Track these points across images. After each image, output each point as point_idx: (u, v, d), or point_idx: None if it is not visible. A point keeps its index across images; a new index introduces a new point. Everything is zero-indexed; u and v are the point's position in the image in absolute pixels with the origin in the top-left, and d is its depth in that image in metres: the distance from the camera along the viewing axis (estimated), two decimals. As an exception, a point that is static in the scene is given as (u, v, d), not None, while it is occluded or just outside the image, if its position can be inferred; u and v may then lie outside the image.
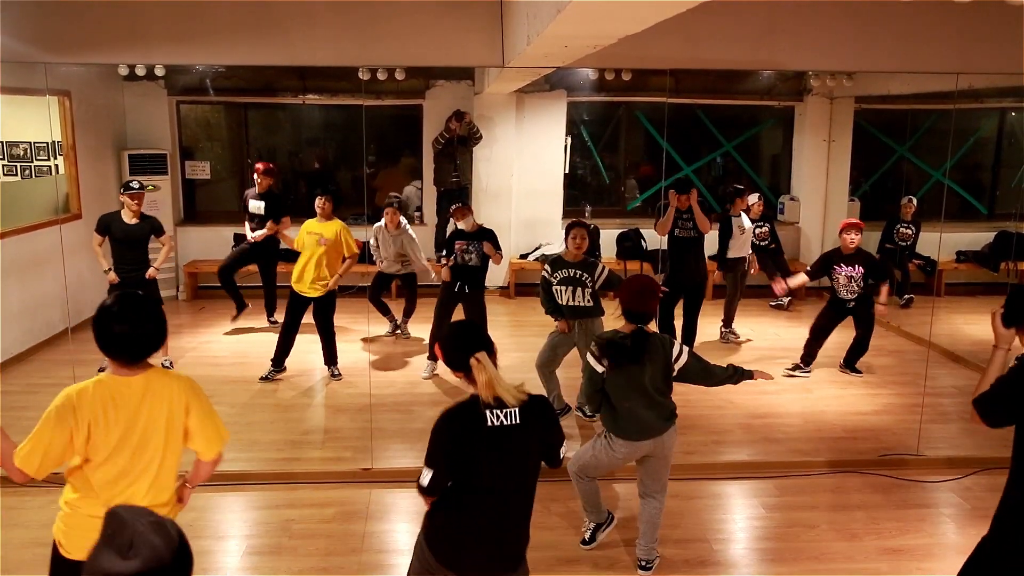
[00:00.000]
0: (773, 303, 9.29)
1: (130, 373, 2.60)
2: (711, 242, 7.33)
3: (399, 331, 8.00)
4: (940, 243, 8.59)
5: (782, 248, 9.32)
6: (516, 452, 2.69)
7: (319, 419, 6.12)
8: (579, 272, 5.53)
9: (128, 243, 6.47)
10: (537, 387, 5.69)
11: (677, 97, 9.78)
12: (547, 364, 5.73)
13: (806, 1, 5.18)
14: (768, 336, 8.27)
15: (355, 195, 9.63)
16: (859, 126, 10.11)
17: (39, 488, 4.64)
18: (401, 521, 4.59)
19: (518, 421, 2.66)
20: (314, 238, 6.46)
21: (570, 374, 6.09)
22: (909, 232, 9.35)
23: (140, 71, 8.50)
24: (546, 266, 5.73)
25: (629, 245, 9.59)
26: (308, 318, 6.66)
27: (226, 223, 9.32)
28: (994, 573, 2.77)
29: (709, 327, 7.88)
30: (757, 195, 9.06)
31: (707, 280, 7.51)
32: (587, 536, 4.24)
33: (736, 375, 3.97)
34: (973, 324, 8.56)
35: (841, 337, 6.97)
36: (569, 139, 9.89)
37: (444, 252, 6.61)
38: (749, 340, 8.06)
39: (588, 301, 5.55)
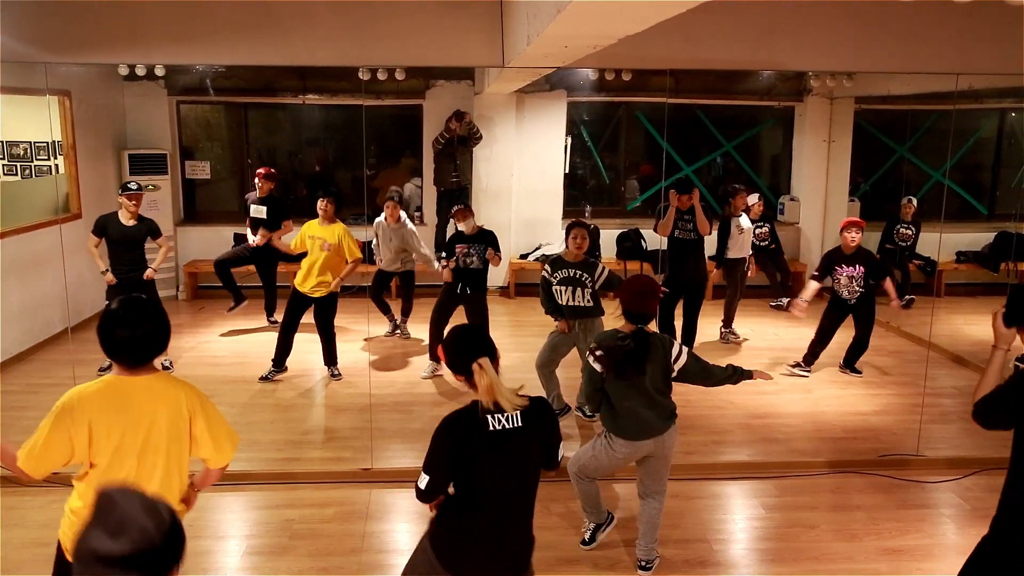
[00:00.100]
0: (773, 303, 9.28)
1: (134, 376, 2.60)
2: (710, 242, 7.33)
3: (399, 331, 8.01)
4: (940, 243, 8.59)
5: (782, 248, 9.33)
6: (517, 455, 2.69)
7: (319, 419, 6.12)
8: (579, 272, 5.53)
9: (125, 244, 6.47)
10: (537, 387, 5.69)
11: (677, 97, 9.79)
12: (547, 364, 5.73)
13: (806, 1, 5.18)
14: (768, 336, 8.27)
15: (355, 195, 9.64)
16: (859, 126, 10.11)
17: (39, 488, 4.64)
18: (401, 521, 4.59)
19: (519, 424, 2.66)
20: (317, 242, 6.46)
21: (570, 374, 6.10)
22: (909, 232, 9.35)
23: (140, 71, 8.50)
24: (546, 266, 5.73)
25: (629, 245, 9.59)
26: (308, 318, 6.66)
27: (226, 223, 9.33)
28: (993, 574, 2.77)
29: (709, 327, 7.88)
30: (757, 195, 9.07)
31: (707, 281, 7.51)
32: (587, 536, 4.24)
33: (735, 375, 3.97)
34: (973, 324, 8.56)
35: (841, 337, 6.96)
36: (569, 139, 9.90)
37: (444, 255, 6.61)
38: (746, 339, 8.05)
39: (588, 301, 5.55)
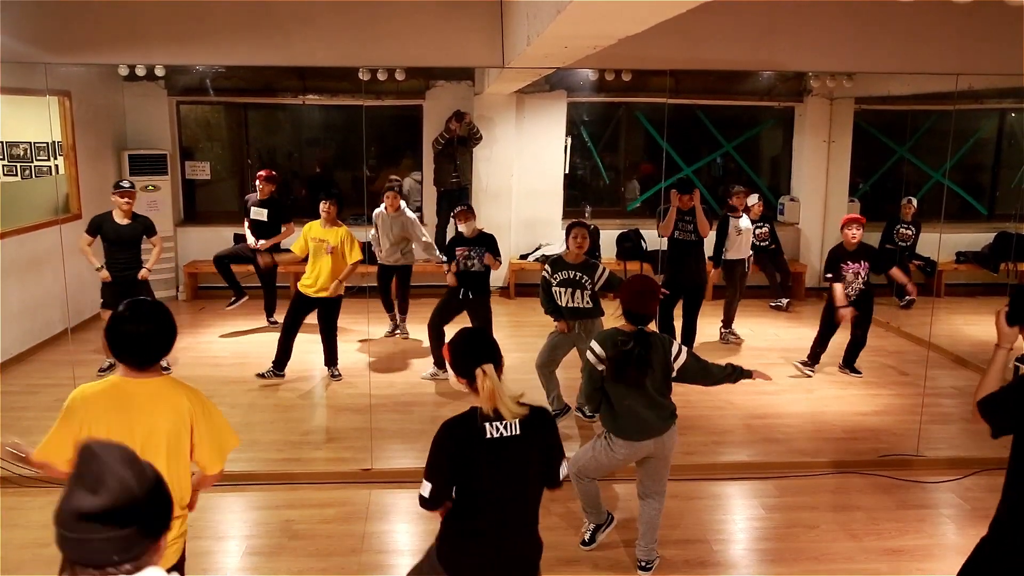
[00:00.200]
0: (773, 303, 9.29)
1: (139, 377, 2.61)
2: (709, 243, 7.33)
3: (398, 331, 8.01)
4: (940, 244, 8.59)
5: (782, 249, 9.33)
6: (515, 463, 2.68)
7: (319, 419, 6.12)
8: (579, 274, 5.53)
9: (119, 243, 6.46)
10: (536, 387, 5.69)
11: (677, 97, 9.79)
12: (547, 364, 5.73)
13: (806, 1, 5.18)
14: (768, 336, 8.27)
15: (355, 195, 9.64)
16: (859, 127, 10.12)
17: (39, 488, 4.64)
18: (401, 522, 4.59)
19: (518, 432, 2.65)
20: (321, 245, 6.45)
21: (569, 374, 6.09)
22: (909, 233, 9.35)
23: (140, 71, 8.50)
24: (546, 267, 5.73)
25: (629, 246, 9.59)
26: (308, 318, 6.66)
27: (226, 223, 9.33)
28: (993, 575, 2.77)
29: (709, 327, 7.88)
30: (757, 196, 9.07)
31: (706, 282, 7.51)
32: (587, 537, 4.24)
33: (735, 374, 3.97)
34: (973, 325, 8.56)
35: (840, 338, 6.96)
36: (569, 139, 9.90)
37: (446, 259, 6.61)
38: (743, 340, 8.05)
39: (587, 303, 5.55)
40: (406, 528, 4.50)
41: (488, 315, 6.49)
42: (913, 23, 5.18)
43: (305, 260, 6.68)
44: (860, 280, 6.60)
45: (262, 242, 7.77)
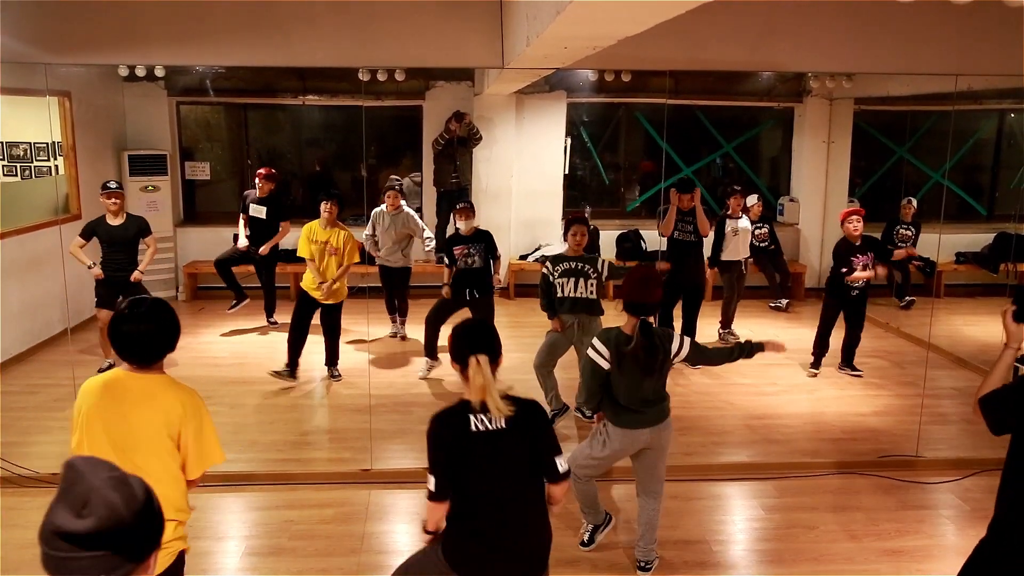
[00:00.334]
0: (772, 304, 9.29)
1: (139, 374, 2.64)
2: (707, 243, 7.33)
3: (397, 335, 8.03)
4: (939, 244, 8.60)
5: (781, 249, 9.33)
6: (505, 458, 2.68)
7: (319, 420, 6.12)
8: (581, 264, 5.55)
9: (113, 245, 6.46)
10: (536, 388, 5.69)
11: (677, 98, 9.79)
12: (545, 364, 5.73)
13: (805, 2, 5.18)
14: (767, 337, 8.24)
15: (355, 196, 9.64)
16: (858, 127, 10.12)
17: (39, 488, 4.65)
18: (400, 522, 4.59)
19: (503, 426, 2.66)
20: (324, 247, 6.45)
21: (568, 374, 6.10)
22: (909, 233, 9.35)
23: (140, 72, 8.50)
24: (547, 263, 5.74)
25: (629, 246, 9.60)
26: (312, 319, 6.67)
27: (226, 224, 9.32)
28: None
29: (708, 328, 7.88)
30: (756, 196, 9.08)
31: (705, 282, 7.51)
32: (585, 538, 4.24)
33: (747, 351, 3.99)
34: (973, 325, 8.57)
35: (838, 339, 6.97)
36: (569, 140, 9.89)
37: (445, 260, 6.61)
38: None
39: (591, 293, 5.55)
40: (406, 528, 4.50)
41: (491, 315, 6.50)
42: (912, 24, 5.18)
43: (294, 255, 6.68)
44: (867, 271, 6.62)
45: (263, 248, 7.77)
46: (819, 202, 10.13)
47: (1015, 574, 2.68)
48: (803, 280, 9.86)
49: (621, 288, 3.87)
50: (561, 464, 2.78)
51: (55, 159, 8.59)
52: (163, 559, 2.57)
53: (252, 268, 8.17)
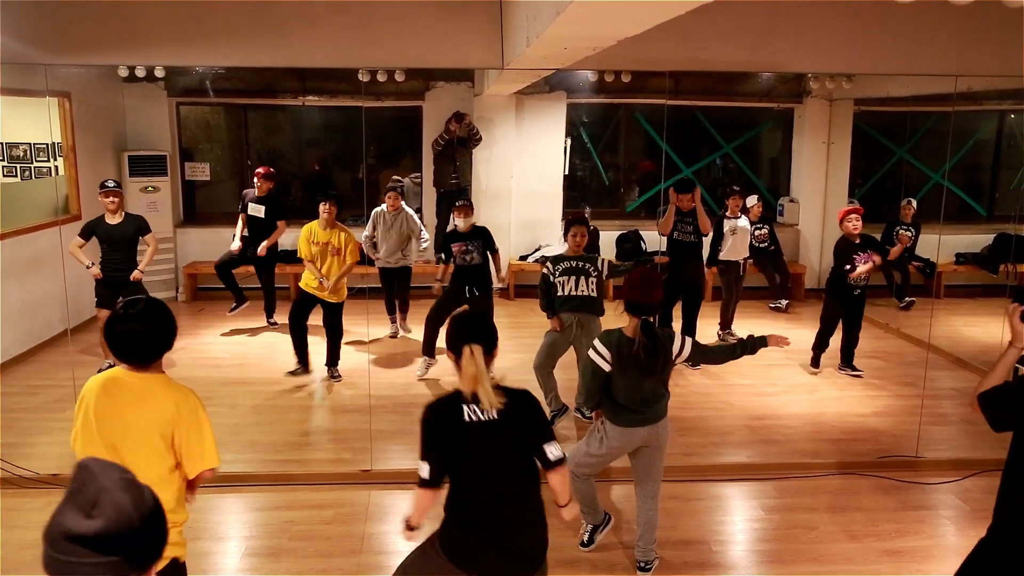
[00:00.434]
0: (772, 305, 9.29)
1: (137, 373, 2.65)
2: (705, 242, 7.33)
3: (399, 334, 8.03)
4: (939, 245, 8.60)
5: (781, 250, 9.33)
6: (498, 449, 2.70)
7: (318, 420, 6.12)
8: (581, 262, 5.56)
9: (112, 244, 6.47)
10: (535, 388, 5.69)
11: (676, 99, 9.79)
12: (544, 365, 5.73)
13: (805, 3, 5.18)
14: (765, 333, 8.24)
15: (355, 196, 9.64)
16: (858, 128, 10.12)
17: (39, 489, 4.65)
18: (400, 523, 4.57)
19: (495, 417, 2.67)
20: (325, 248, 6.45)
21: (567, 375, 6.09)
22: (909, 234, 9.34)
23: (140, 72, 8.50)
24: (548, 264, 5.75)
25: (628, 247, 9.60)
26: (312, 319, 6.66)
27: (226, 224, 9.30)
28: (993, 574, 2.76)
29: (708, 329, 7.88)
30: (756, 197, 9.08)
31: (704, 283, 7.51)
32: (585, 538, 4.24)
33: (750, 347, 3.95)
34: (972, 326, 8.57)
35: (837, 339, 6.98)
36: (569, 141, 9.90)
37: (443, 256, 6.62)
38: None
39: (592, 291, 5.56)
40: (406, 529, 4.49)
41: (490, 311, 6.51)
42: (912, 24, 5.18)
43: (293, 255, 6.69)
44: (868, 264, 6.63)
45: (260, 248, 7.76)
46: (819, 203, 10.13)
47: (1016, 574, 2.68)
48: (803, 281, 9.86)
49: (621, 289, 3.86)
50: (553, 451, 2.75)
51: (55, 160, 8.59)
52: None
53: (252, 269, 8.17)
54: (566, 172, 9.95)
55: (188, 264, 9.46)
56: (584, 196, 10.40)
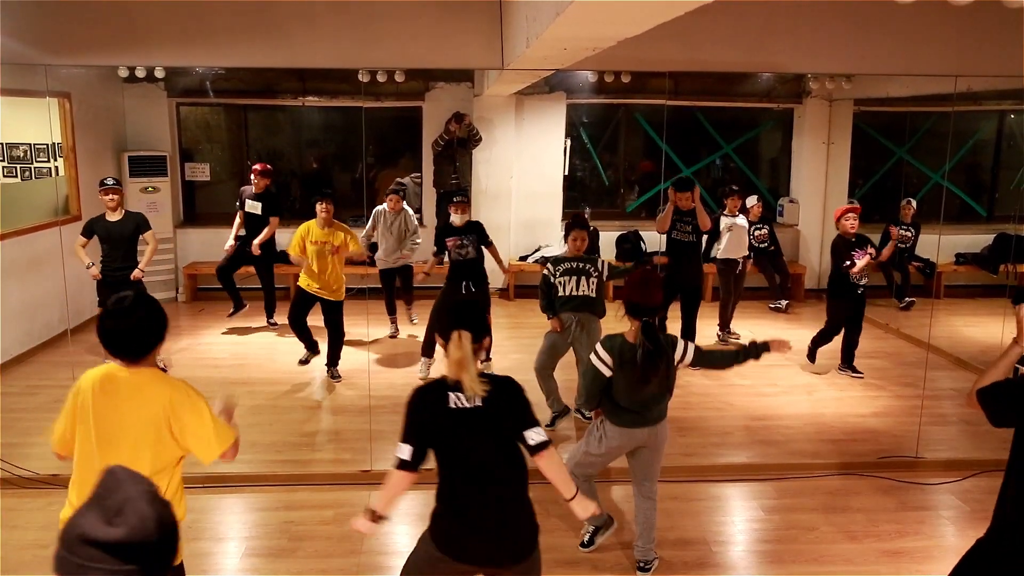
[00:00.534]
0: (772, 305, 9.29)
1: (129, 368, 2.66)
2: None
3: (398, 335, 8.04)
4: (939, 245, 8.60)
5: (781, 251, 9.34)
6: (482, 437, 2.70)
7: (318, 421, 6.12)
8: (582, 263, 5.57)
9: (112, 241, 6.48)
10: (535, 389, 5.69)
11: (676, 99, 9.79)
12: (545, 367, 5.73)
13: (805, 3, 5.18)
14: (767, 338, 8.24)
15: (354, 196, 9.64)
16: (858, 128, 10.12)
17: (39, 490, 4.65)
18: (400, 523, 4.58)
19: (479, 404, 2.68)
20: (323, 247, 6.44)
21: (568, 375, 6.09)
22: (908, 234, 9.35)
23: (140, 73, 8.51)
24: (548, 265, 5.75)
25: (628, 247, 9.60)
26: (312, 320, 6.66)
27: (226, 225, 9.26)
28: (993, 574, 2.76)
29: (708, 329, 7.89)
30: (756, 197, 9.08)
31: (703, 283, 7.50)
32: (586, 539, 4.24)
33: (753, 353, 3.92)
34: (972, 326, 8.57)
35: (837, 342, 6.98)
36: (568, 141, 9.90)
37: (436, 250, 6.65)
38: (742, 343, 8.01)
39: (592, 291, 5.56)
40: (405, 530, 4.49)
41: (487, 306, 6.53)
42: (912, 25, 5.18)
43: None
44: (866, 257, 6.63)
45: (255, 242, 7.74)
46: (819, 203, 10.13)
47: (1016, 574, 2.68)
48: (803, 281, 9.86)
49: (622, 291, 3.86)
50: (533, 436, 2.72)
51: (55, 160, 8.59)
52: None
53: (252, 269, 8.17)
54: (566, 172, 9.95)
55: (188, 264, 9.46)
56: (584, 196, 10.40)
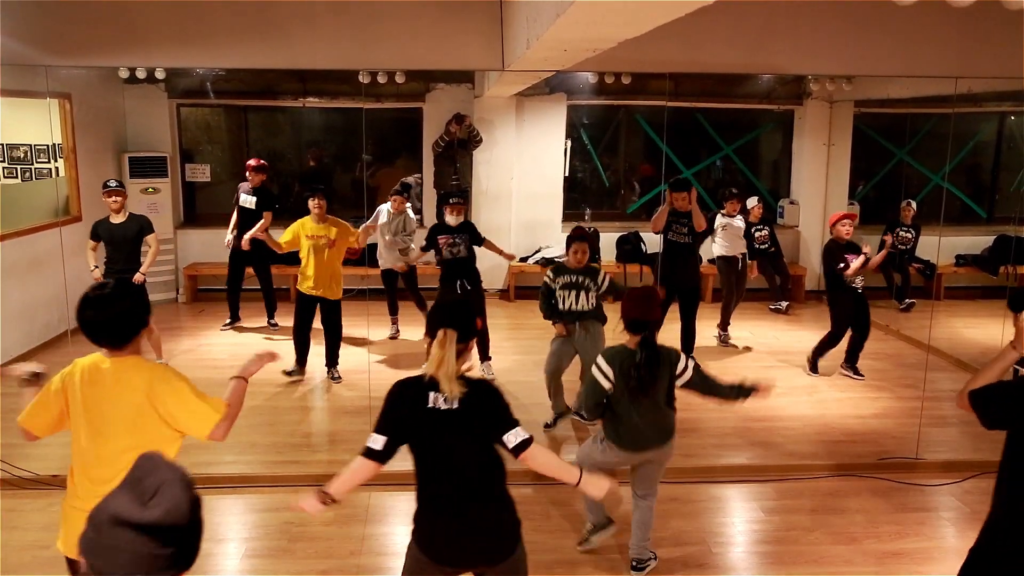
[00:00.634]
0: (772, 306, 9.28)
1: (112, 357, 2.69)
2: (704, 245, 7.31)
3: (398, 336, 8.04)
4: (939, 246, 8.60)
5: (782, 252, 9.33)
6: (459, 439, 2.68)
7: (319, 422, 6.12)
8: (582, 278, 5.55)
9: (115, 243, 6.49)
10: (534, 389, 5.70)
11: (677, 100, 9.79)
12: (556, 372, 5.73)
13: (805, 4, 5.19)
14: (768, 339, 8.26)
15: (355, 197, 9.64)
16: (858, 130, 10.12)
17: (39, 491, 4.65)
18: (400, 524, 4.58)
19: (456, 407, 2.66)
20: (319, 241, 6.44)
21: (568, 377, 6.08)
22: (909, 236, 9.35)
23: (140, 74, 8.51)
24: (548, 272, 5.73)
25: (629, 248, 9.60)
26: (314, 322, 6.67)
27: (226, 226, 9.30)
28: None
29: (708, 330, 7.89)
30: (756, 198, 9.08)
31: (700, 284, 7.46)
32: (584, 537, 4.22)
33: (740, 395, 3.89)
34: (972, 328, 8.57)
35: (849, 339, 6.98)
36: (569, 142, 9.91)
37: (424, 246, 6.67)
38: (738, 347, 8.01)
39: (591, 305, 5.56)
40: (405, 530, 4.46)
41: (482, 304, 6.54)
42: (912, 26, 5.19)
43: (289, 257, 6.68)
44: (860, 258, 6.64)
45: (247, 236, 7.63)
46: (819, 205, 10.14)
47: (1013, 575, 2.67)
48: (803, 283, 9.86)
49: (621, 306, 3.86)
50: (512, 439, 2.68)
51: (55, 161, 8.58)
52: None
53: (251, 270, 8.18)
54: (566, 174, 9.95)
55: (188, 265, 9.46)
56: (584, 198, 10.41)
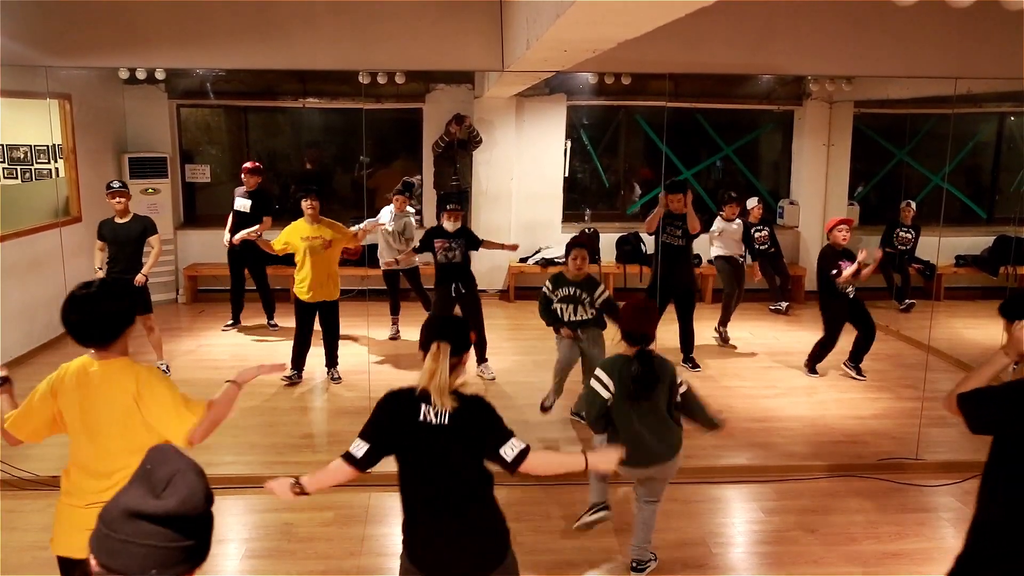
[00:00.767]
0: (772, 307, 9.28)
1: (101, 357, 2.69)
2: (704, 246, 7.32)
3: (399, 336, 8.04)
4: (939, 247, 8.60)
5: (781, 252, 9.33)
6: (449, 454, 2.66)
7: (318, 422, 6.12)
8: (579, 291, 5.56)
9: (118, 244, 6.50)
10: (534, 390, 5.70)
11: (676, 101, 9.79)
12: (563, 369, 5.74)
13: (805, 5, 5.19)
14: (768, 339, 8.26)
15: (354, 197, 9.64)
16: (858, 130, 10.13)
17: (39, 491, 4.65)
18: (399, 525, 4.57)
19: (446, 423, 2.64)
20: (315, 243, 6.42)
21: (569, 377, 6.09)
22: (909, 236, 9.36)
23: (140, 74, 8.51)
24: (547, 283, 5.73)
25: (628, 249, 9.61)
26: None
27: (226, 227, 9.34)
28: None
29: (707, 330, 7.89)
30: (756, 199, 9.08)
31: (695, 285, 7.44)
32: (583, 515, 4.20)
33: (713, 427, 3.94)
34: (972, 328, 8.57)
35: (843, 342, 6.98)
36: (569, 143, 9.91)
37: (417, 247, 6.68)
38: (735, 347, 7.97)
39: (590, 315, 5.57)
40: (405, 531, 4.49)
41: (478, 308, 6.53)
42: (912, 27, 5.19)
43: (284, 259, 6.68)
44: (852, 266, 6.64)
45: (239, 235, 7.45)
46: (819, 205, 10.14)
47: None
48: (803, 283, 9.85)
49: (620, 318, 3.88)
50: (509, 451, 2.63)
51: (55, 162, 8.59)
52: None
53: (249, 271, 8.19)
54: (566, 174, 9.95)
55: (188, 266, 9.47)
56: (584, 198, 10.41)
